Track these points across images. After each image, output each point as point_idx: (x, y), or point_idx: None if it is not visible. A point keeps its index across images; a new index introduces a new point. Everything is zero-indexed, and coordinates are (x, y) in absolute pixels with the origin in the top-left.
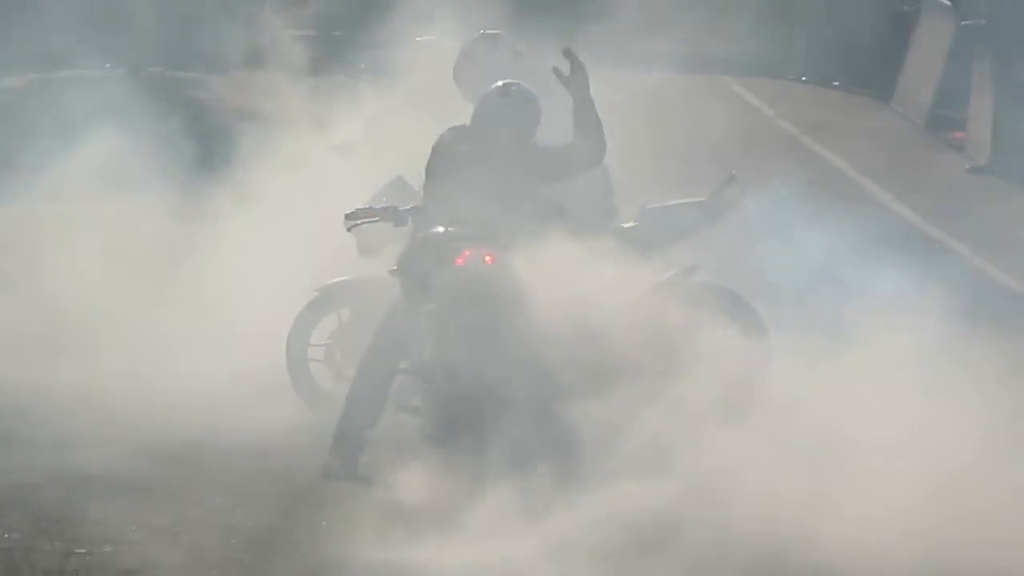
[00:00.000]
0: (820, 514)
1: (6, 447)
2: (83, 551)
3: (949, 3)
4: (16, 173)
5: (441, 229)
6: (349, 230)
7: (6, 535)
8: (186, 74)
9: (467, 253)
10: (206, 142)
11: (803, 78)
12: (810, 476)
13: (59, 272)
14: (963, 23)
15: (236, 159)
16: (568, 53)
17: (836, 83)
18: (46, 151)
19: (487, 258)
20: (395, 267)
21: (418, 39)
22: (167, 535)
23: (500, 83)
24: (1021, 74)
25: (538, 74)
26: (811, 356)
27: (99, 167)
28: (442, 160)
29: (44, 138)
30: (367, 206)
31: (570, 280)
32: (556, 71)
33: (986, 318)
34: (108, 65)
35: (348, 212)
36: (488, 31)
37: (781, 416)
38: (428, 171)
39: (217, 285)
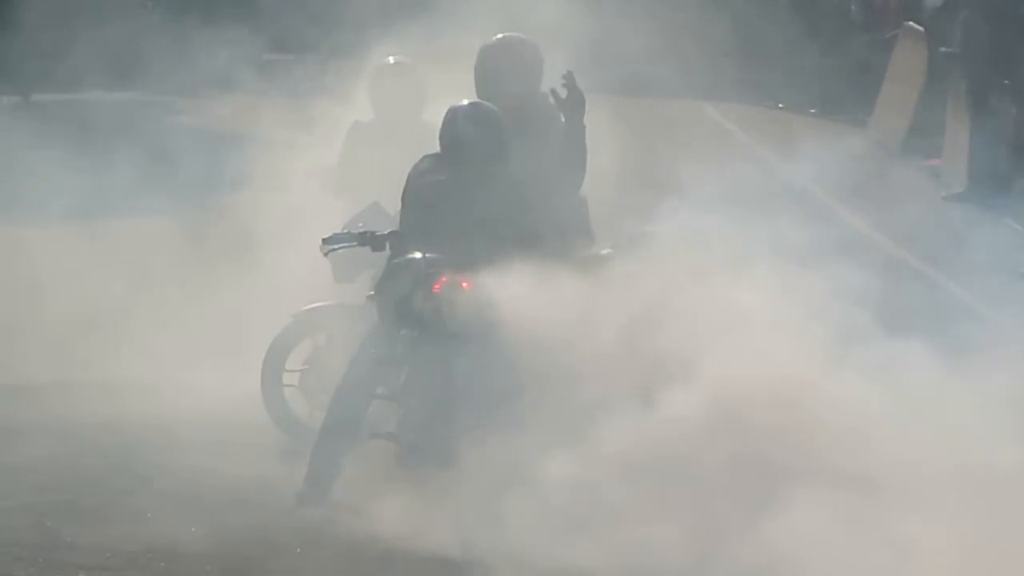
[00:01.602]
0: None
1: None
2: None
3: (924, 31)
4: None
5: (418, 255)
6: (326, 255)
7: None
8: (160, 97)
9: (444, 279)
10: (180, 166)
11: (780, 105)
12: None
13: (31, 293)
14: (939, 50)
15: (209, 184)
16: (568, 77)
17: (813, 110)
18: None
19: (464, 284)
20: (372, 293)
21: (387, 60)
22: (141, 562)
23: (467, 104)
24: (995, 102)
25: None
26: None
27: (66, 192)
28: (418, 187)
29: None
30: (344, 231)
31: (547, 306)
32: (553, 93)
33: (954, 342)
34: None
35: (325, 237)
36: (507, 33)
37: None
38: (404, 198)
39: (191, 310)
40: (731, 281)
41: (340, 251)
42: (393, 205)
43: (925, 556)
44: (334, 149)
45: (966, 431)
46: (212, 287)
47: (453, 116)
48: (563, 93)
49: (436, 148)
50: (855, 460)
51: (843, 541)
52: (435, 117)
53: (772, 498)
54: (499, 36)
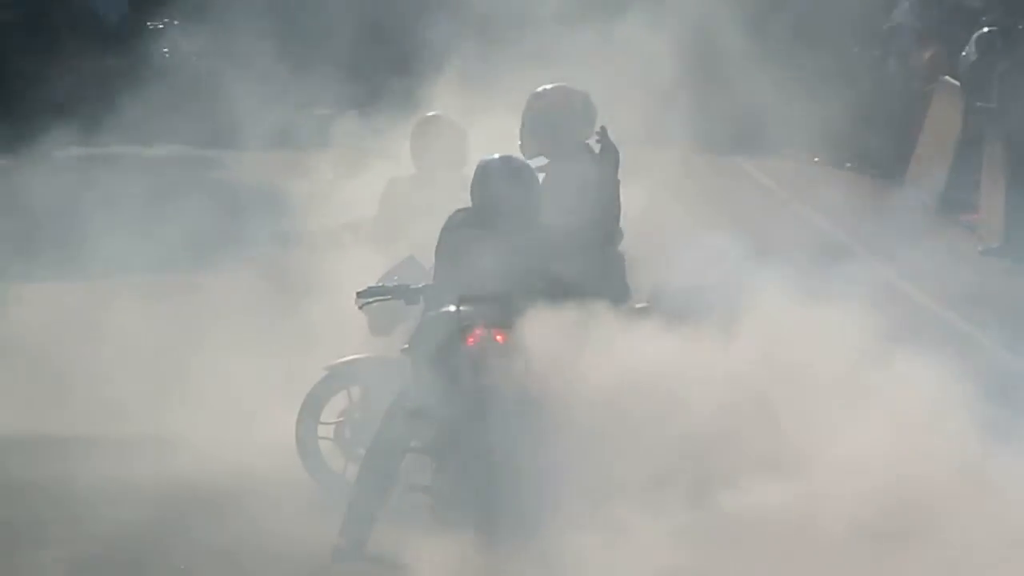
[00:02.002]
0: None
1: (13, 527)
2: None
3: (961, 85)
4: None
5: (452, 308)
6: (361, 308)
7: None
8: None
9: (478, 332)
10: (220, 218)
11: (816, 159)
12: None
13: (80, 347)
14: (976, 105)
15: (248, 235)
16: (602, 132)
17: (849, 164)
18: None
19: (498, 337)
20: (406, 346)
21: (425, 115)
22: None
23: (498, 158)
24: None
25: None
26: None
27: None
28: (451, 242)
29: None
30: (379, 284)
31: (581, 357)
32: (588, 148)
33: (1000, 397)
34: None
35: (360, 290)
36: (557, 83)
37: None
38: (438, 252)
39: (230, 362)
40: (770, 336)
41: (375, 304)
42: (430, 258)
43: None
44: (373, 203)
45: None
46: (250, 340)
47: (484, 171)
48: (596, 148)
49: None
50: (965, 526)
51: None
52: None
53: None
54: (549, 85)
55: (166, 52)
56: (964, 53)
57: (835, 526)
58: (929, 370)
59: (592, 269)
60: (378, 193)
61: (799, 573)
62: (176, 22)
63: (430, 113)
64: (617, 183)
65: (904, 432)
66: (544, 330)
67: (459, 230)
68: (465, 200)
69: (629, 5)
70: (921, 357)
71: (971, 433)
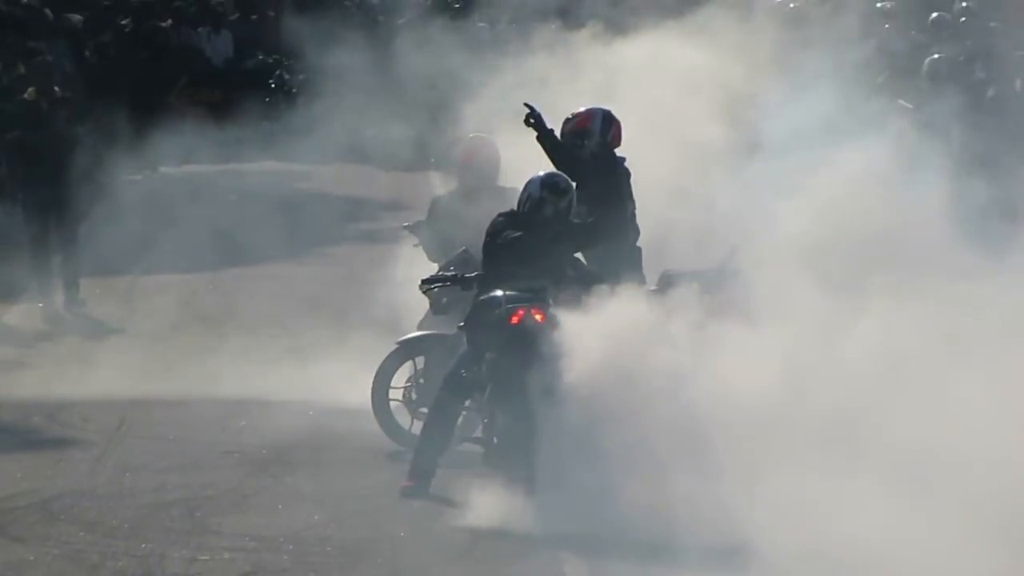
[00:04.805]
0: None
1: (140, 474)
2: (206, 558)
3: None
4: None
5: (499, 293)
6: (424, 293)
7: (143, 545)
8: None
9: (521, 312)
10: (304, 220)
11: None
12: None
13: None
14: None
15: (329, 234)
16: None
17: None
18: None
19: (538, 316)
20: (462, 324)
21: (470, 136)
22: (274, 544)
23: (543, 175)
24: None
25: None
26: None
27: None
28: (496, 241)
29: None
30: (439, 273)
31: (607, 332)
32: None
33: None
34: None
35: (424, 278)
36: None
37: None
38: (485, 248)
39: (314, 337)
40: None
41: (436, 290)
42: (478, 252)
43: None
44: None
45: None
46: (332, 320)
47: (532, 181)
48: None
49: (508, 206)
50: None
51: None
52: (505, 182)
53: None
54: (583, 108)
55: (272, 84)
56: None
57: None
58: None
59: (613, 260)
60: (425, 207)
61: None
62: (282, 58)
63: (471, 135)
64: (630, 191)
65: None
66: (575, 309)
67: (503, 232)
68: (500, 206)
69: None
70: None
71: None
